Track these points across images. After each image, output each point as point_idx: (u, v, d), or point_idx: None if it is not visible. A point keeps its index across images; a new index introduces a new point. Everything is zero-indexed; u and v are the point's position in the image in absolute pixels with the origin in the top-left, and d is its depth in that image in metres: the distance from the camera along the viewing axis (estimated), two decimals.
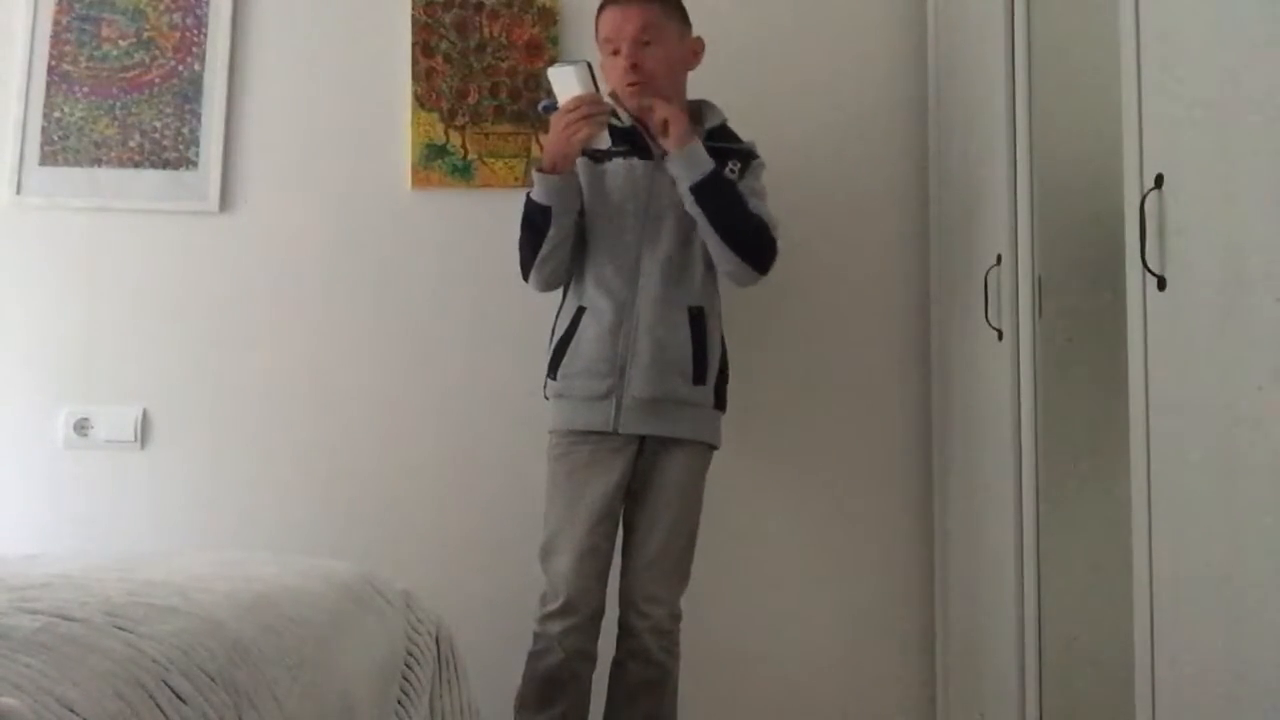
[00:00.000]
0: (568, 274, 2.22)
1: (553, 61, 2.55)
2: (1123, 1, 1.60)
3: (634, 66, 2.17)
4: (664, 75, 2.21)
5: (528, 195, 2.15)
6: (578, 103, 2.04)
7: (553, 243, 2.14)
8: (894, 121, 2.65)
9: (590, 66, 2.05)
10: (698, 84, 2.30)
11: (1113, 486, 1.69)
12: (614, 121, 2.22)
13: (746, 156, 2.26)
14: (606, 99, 2.12)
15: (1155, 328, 1.52)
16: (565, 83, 2.05)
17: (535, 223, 2.14)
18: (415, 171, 2.59)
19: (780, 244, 2.21)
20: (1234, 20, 1.38)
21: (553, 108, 2.10)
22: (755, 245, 2.15)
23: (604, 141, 2.11)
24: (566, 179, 2.12)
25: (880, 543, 2.58)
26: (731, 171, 2.23)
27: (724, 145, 2.26)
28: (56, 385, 2.54)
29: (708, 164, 2.12)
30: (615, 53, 2.20)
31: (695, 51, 2.28)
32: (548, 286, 2.23)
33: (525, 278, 2.21)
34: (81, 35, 2.62)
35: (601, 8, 2.24)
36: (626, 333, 2.14)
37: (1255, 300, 1.32)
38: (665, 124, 2.11)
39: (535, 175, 2.12)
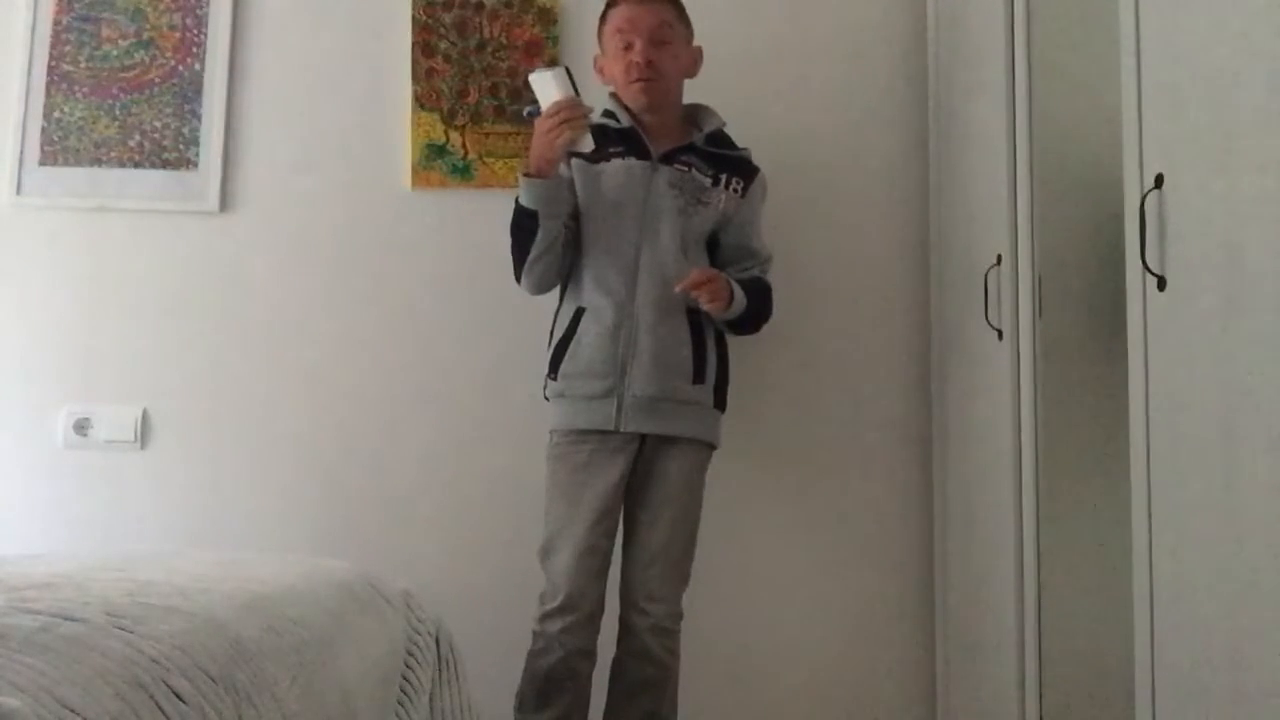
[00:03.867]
0: (561, 276, 2.22)
1: (552, 63, 2.55)
2: (1123, 1, 1.60)
3: (649, 63, 2.17)
4: (673, 77, 2.24)
5: (516, 200, 2.15)
6: (558, 107, 2.04)
7: (541, 246, 2.13)
8: (894, 122, 2.65)
9: (569, 71, 2.06)
10: (700, 82, 2.30)
11: (1113, 486, 1.69)
12: (611, 122, 2.22)
13: (748, 172, 2.28)
14: (587, 104, 2.11)
15: (1155, 328, 1.52)
16: (545, 88, 2.06)
17: (523, 227, 2.14)
18: (415, 171, 2.59)
19: (776, 254, 2.31)
20: (1234, 20, 1.38)
21: (537, 113, 2.10)
22: (756, 328, 2.26)
23: (587, 145, 2.10)
24: (552, 183, 2.11)
25: (880, 543, 2.58)
26: (734, 190, 2.24)
27: (723, 152, 2.27)
28: (56, 385, 2.54)
29: (742, 304, 2.17)
30: (627, 47, 2.20)
31: (696, 60, 2.30)
32: (540, 289, 2.23)
33: (518, 280, 2.21)
34: (81, 35, 2.62)
35: (615, 2, 2.24)
36: (627, 332, 2.14)
37: (1255, 300, 1.32)
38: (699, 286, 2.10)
39: (521, 180, 2.12)
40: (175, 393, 2.55)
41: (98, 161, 2.59)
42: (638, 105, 2.22)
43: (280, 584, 1.48)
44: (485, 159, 2.60)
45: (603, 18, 2.27)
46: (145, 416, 2.55)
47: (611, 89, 2.28)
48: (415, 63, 2.61)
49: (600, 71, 2.29)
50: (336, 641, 1.44)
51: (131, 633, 1.06)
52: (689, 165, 2.23)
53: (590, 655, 2.14)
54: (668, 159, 2.22)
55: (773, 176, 2.35)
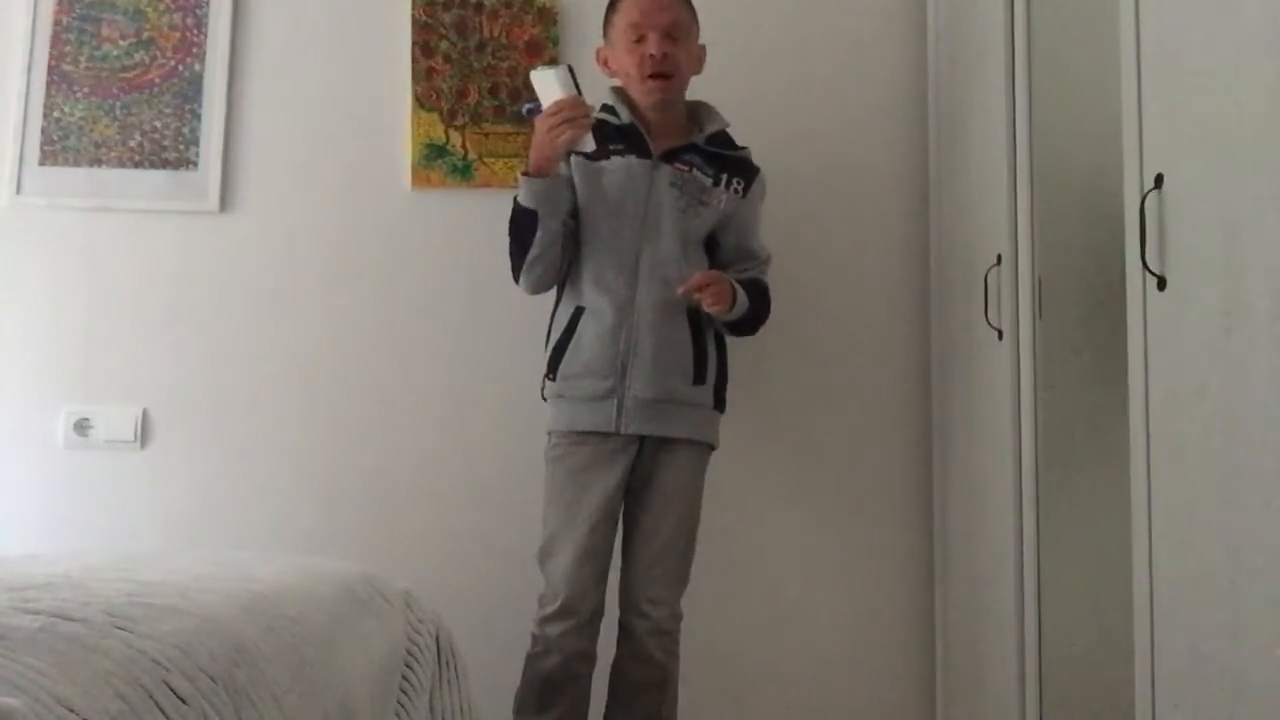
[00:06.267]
0: (560, 275, 2.21)
1: (552, 63, 2.55)
2: (1123, 2, 1.60)
3: (664, 57, 2.16)
4: (684, 74, 2.23)
5: (515, 199, 2.13)
6: (559, 106, 2.01)
7: (541, 246, 2.12)
8: (894, 121, 2.65)
9: (571, 70, 2.03)
10: (700, 81, 2.30)
11: (1113, 486, 1.69)
12: (611, 118, 2.21)
13: (748, 172, 2.28)
14: (593, 103, 2.10)
15: (1155, 328, 1.52)
16: (547, 86, 2.03)
17: (522, 226, 2.12)
18: (415, 171, 2.59)
19: (775, 254, 2.32)
20: (1234, 20, 1.38)
21: (536, 111, 2.08)
22: (755, 329, 2.25)
23: (588, 145, 2.08)
24: (552, 182, 2.10)
25: (880, 543, 2.58)
26: (735, 190, 2.24)
27: (724, 152, 2.26)
28: (56, 385, 2.54)
29: (744, 306, 2.16)
30: (639, 40, 2.18)
31: (701, 58, 2.28)
32: (538, 289, 2.21)
33: (516, 280, 2.20)
34: (81, 35, 2.62)
35: None
36: (627, 333, 2.13)
37: (1255, 300, 1.32)
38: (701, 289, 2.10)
39: (520, 179, 2.10)
40: (175, 393, 2.55)
41: (98, 161, 2.59)
42: (650, 101, 2.21)
43: (280, 584, 1.47)
44: (485, 159, 2.60)
45: (612, 7, 2.24)
46: (145, 416, 2.55)
47: (614, 83, 2.27)
48: (415, 63, 2.61)
49: (604, 64, 2.27)
50: (336, 641, 1.44)
51: (131, 633, 1.06)
52: (690, 165, 2.22)
53: (590, 658, 2.13)
54: (668, 158, 2.21)
55: (773, 176, 2.35)
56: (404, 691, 1.68)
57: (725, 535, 2.47)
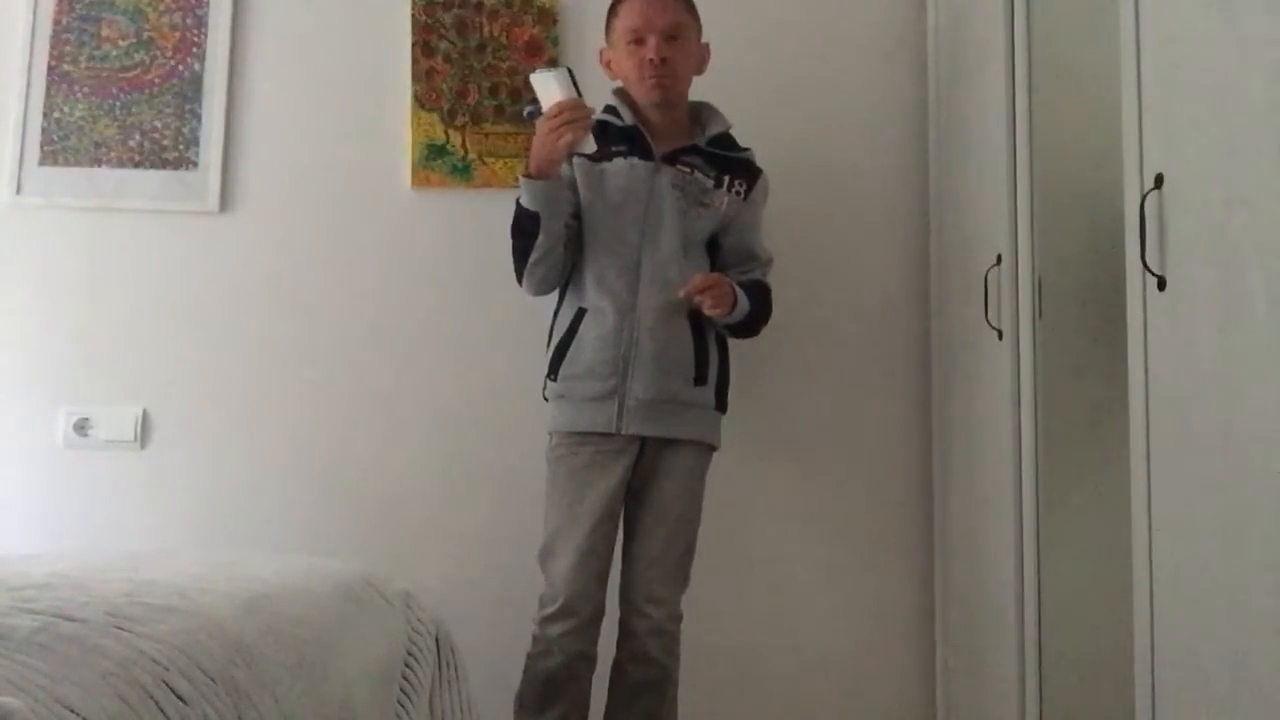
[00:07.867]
0: (563, 276, 2.22)
1: (552, 64, 2.55)
2: (1123, 2, 1.60)
3: (663, 60, 2.16)
4: (684, 76, 2.23)
5: (516, 201, 2.13)
6: (560, 108, 2.01)
7: (543, 248, 2.12)
8: (894, 121, 2.65)
9: (571, 72, 2.03)
10: (700, 83, 2.30)
11: (1113, 487, 1.69)
12: (614, 120, 2.21)
13: (751, 174, 2.27)
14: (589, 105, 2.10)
15: (1155, 328, 1.52)
16: (547, 88, 2.03)
17: (524, 229, 2.12)
18: (415, 171, 2.59)
19: (777, 255, 2.32)
20: (1234, 20, 1.38)
21: (537, 113, 2.08)
22: (755, 331, 2.25)
23: (589, 146, 2.08)
24: (553, 185, 2.10)
25: (880, 543, 2.58)
26: (737, 193, 2.24)
27: (726, 154, 2.26)
28: (56, 385, 2.54)
29: (745, 308, 2.16)
30: (638, 42, 2.18)
31: (704, 58, 2.28)
32: (541, 290, 2.21)
33: (519, 282, 2.20)
34: (81, 35, 2.62)
35: None
36: (629, 334, 2.13)
37: (1255, 300, 1.32)
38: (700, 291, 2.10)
39: (522, 181, 2.10)
40: (175, 393, 2.55)
41: (98, 161, 2.58)
42: (650, 102, 2.21)
43: (280, 584, 1.48)
44: (485, 159, 2.60)
45: (613, 10, 2.25)
46: (145, 416, 2.55)
47: (616, 84, 2.27)
48: (415, 63, 2.61)
49: (607, 65, 2.27)
50: (336, 641, 1.44)
51: (131, 633, 1.06)
52: (692, 166, 2.22)
53: (590, 658, 2.13)
54: (670, 159, 2.21)
55: (773, 177, 2.35)
56: (404, 691, 1.68)
57: (726, 535, 2.47)
